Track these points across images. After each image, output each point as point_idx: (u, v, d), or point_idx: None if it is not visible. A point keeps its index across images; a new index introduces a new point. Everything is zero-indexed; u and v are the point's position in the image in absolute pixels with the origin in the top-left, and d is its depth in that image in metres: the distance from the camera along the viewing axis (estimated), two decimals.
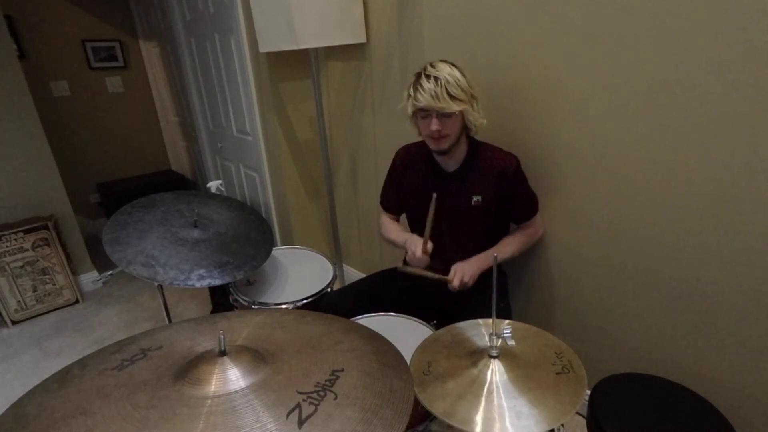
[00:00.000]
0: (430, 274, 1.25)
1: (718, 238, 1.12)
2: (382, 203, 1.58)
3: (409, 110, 1.25)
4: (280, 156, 2.30)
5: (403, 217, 1.60)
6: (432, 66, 1.21)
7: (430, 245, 1.29)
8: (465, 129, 1.30)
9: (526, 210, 1.39)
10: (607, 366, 1.48)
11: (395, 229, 1.51)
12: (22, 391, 1.95)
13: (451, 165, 1.37)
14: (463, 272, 1.27)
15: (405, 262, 1.47)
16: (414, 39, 1.68)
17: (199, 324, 0.89)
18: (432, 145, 1.29)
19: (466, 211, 1.36)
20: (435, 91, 1.16)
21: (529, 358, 0.93)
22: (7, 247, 2.32)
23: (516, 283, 1.66)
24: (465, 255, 1.36)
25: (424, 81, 1.19)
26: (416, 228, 1.52)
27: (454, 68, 1.21)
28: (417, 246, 1.28)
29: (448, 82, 1.17)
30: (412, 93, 1.22)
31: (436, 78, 1.17)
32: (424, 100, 1.18)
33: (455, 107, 1.18)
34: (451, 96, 1.17)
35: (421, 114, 1.24)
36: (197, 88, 2.85)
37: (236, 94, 2.42)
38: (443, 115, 1.21)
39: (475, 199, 1.34)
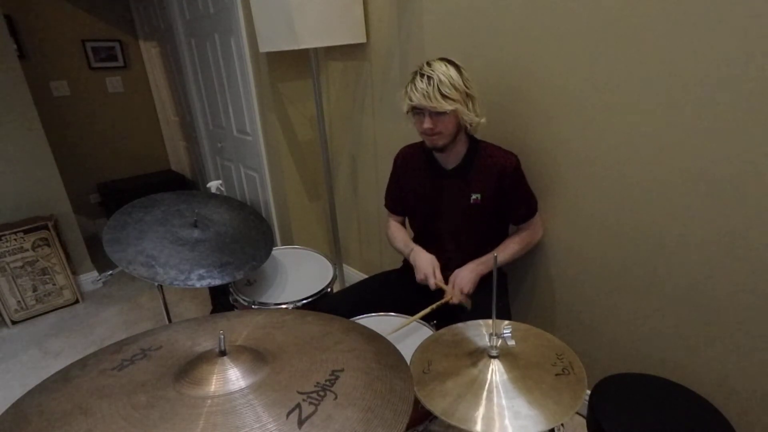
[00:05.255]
0: (433, 306, 1.26)
1: (718, 238, 1.13)
2: (387, 205, 1.59)
3: (404, 108, 1.27)
4: (280, 156, 2.30)
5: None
6: (428, 65, 1.22)
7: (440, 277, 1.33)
8: (462, 127, 1.30)
9: (526, 210, 1.39)
10: (607, 366, 1.48)
11: (401, 238, 1.51)
12: (22, 391, 1.96)
13: (451, 163, 1.37)
14: (461, 286, 1.29)
15: (405, 261, 1.48)
16: (414, 39, 1.68)
17: (199, 324, 0.89)
18: (427, 142, 1.31)
19: (465, 209, 1.36)
20: (427, 91, 1.18)
21: (530, 358, 0.93)
22: (7, 247, 2.32)
23: (516, 284, 1.66)
24: (464, 254, 1.36)
25: (418, 80, 1.21)
26: (417, 227, 1.52)
27: (450, 67, 1.22)
28: (429, 278, 1.31)
29: (440, 81, 1.18)
30: (407, 91, 1.24)
31: (429, 77, 1.19)
32: (416, 98, 1.20)
33: (447, 106, 1.19)
34: (442, 95, 1.19)
35: (415, 111, 1.26)
36: (197, 88, 2.85)
37: (236, 94, 2.42)
38: (436, 114, 1.22)
39: (474, 197, 1.34)
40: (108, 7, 3.37)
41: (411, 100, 1.22)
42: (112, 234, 1.38)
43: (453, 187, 1.36)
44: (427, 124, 1.23)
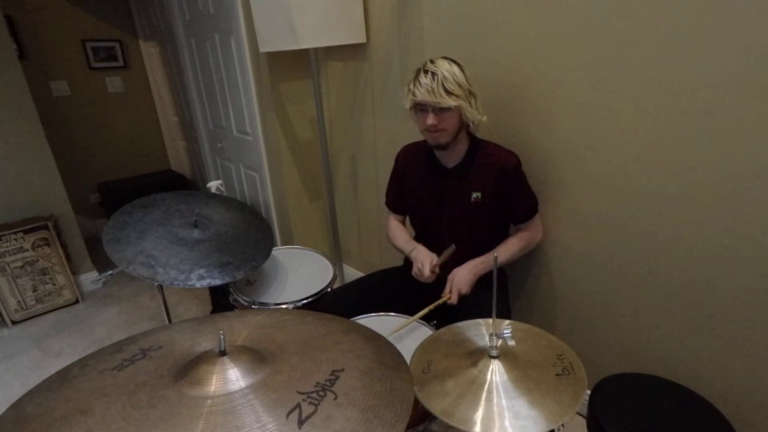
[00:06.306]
0: (431, 307, 1.26)
1: (718, 239, 1.13)
2: (387, 204, 1.59)
3: (407, 105, 1.28)
4: (280, 156, 2.30)
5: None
6: (432, 62, 1.24)
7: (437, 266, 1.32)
8: (464, 125, 1.30)
9: (526, 210, 1.39)
10: (607, 366, 1.48)
11: (402, 237, 1.52)
12: (22, 391, 1.96)
13: (452, 161, 1.37)
14: (459, 286, 1.29)
15: (406, 259, 1.48)
16: (414, 39, 1.68)
17: (199, 324, 0.89)
18: (429, 139, 1.31)
19: (466, 207, 1.36)
20: (431, 86, 1.19)
21: (530, 358, 0.93)
22: (7, 247, 2.32)
23: (517, 284, 1.66)
24: (464, 253, 1.36)
25: (422, 76, 1.22)
26: (417, 226, 1.52)
27: (453, 65, 1.23)
28: (425, 266, 1.30)
29: (444, 77, 1.19)
30: (411, 88, 1.24)
31: (433, 73, 1.20)
32: (420, 94, 1.21)
33: (451, 102, 1.20)
34: (446, 91, 1.19)
35: (419, 108, 1.26)
36: (197, 88, 2.85)
37: (236, 94, 2.42)
38: (439, 110, 1.23)
39: (474, 195, 1.34)
40: (108, 7, 3.37)
41: (415, 96, 1.23)
42: (112, 234, 1.38)
43: (454, 185, 1.37)
44: (430, 120, 1.23)
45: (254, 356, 0.73)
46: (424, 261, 1.32)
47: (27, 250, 2.39)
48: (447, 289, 1.31)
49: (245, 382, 0.67)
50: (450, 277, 1.32)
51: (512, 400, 0.82)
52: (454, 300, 1.28)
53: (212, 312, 2.28)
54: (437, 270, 1.32)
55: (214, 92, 2.65)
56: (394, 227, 1.56)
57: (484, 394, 0.83)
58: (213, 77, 2.60)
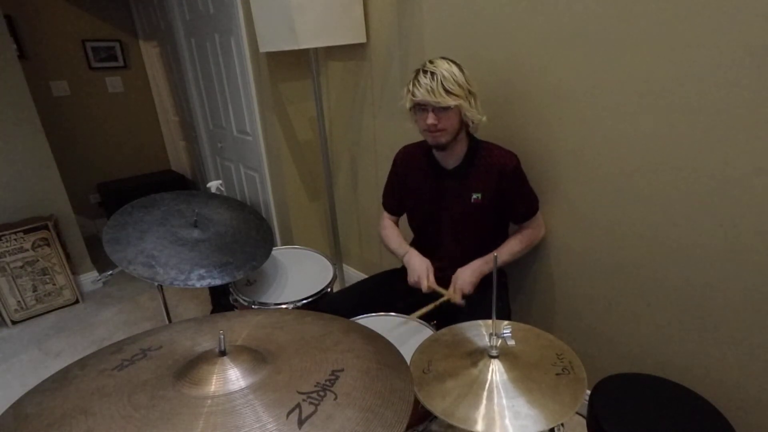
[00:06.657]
0: (436, 303, 1.27)
1: (718, 239, 1.13)
2: (384, 204, 1.59)
3: (407, 105, 1.28)
4: (280, 156, 2.30)
5: (403, 219, 1.60)
6: (431, 62, 1.24)
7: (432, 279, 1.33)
8: (464, 126, 1.30)
9: (526, 209, 1.39)
10: (607, 366, 1.48)
11: (396, 239, 1.52)
12: (22, 391, 1.95)
13: (451, 162, 1.37)
14: (462, 286, 1.30)
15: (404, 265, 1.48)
16: (414, 39, 1.68)
17: (199, 324, 0.89)
18: (429, 140, 1.31)
19: (466, 209, 1.36)
20: (431, 86, 1.19)
21: (530, 358, 0.93)
22: (7, 247, 2.32)
23: (517, 284, 1.66)
24: (465, 254, 1.36)
25: (421, 76, 1.22)
26: (417, 227, 1.52)
27: (452, 65, 1.23)
28: (422, 280, 1.32)
29: (444, 77, 1.19)
30: (410, 88, 1.25)
31: (432, 73, 1.20)
32: (420, 94, 1.21)
33: (450, 102, 1.20)
34: (446, 91, 1.20)
35: (419, 108, 1.26)
36: (197, 88, 2.85)
37: (236, 94, 2.42)
38: (439, 110, 1.23)
39: (474, 196, 1.34)
40: (108, 7, 3.37)
41: (415, 96, 1.23)
42: (112, 234, 1.38)
43: (454, 187, 1.37)
44: (430, 119, 1.23)
45: (254, 356, 0.73)
46: (421, 274, 1.33)
47: (27, 250, 2.39)
48: (451, 289, 1.31)
49: (245, 382, 0.67)
50: (454, 277, 1.33)
51: (512, 400, 0.82)
52: (457, 300, 1.28)
53: (212, 312, 2.28)
54: (432, 283, 1.33)
55: (214, 92, 2.65)
56: (387, 227, 1.56)
57: (484, 394, 0.83)
58: (213, 77, 2.60)
